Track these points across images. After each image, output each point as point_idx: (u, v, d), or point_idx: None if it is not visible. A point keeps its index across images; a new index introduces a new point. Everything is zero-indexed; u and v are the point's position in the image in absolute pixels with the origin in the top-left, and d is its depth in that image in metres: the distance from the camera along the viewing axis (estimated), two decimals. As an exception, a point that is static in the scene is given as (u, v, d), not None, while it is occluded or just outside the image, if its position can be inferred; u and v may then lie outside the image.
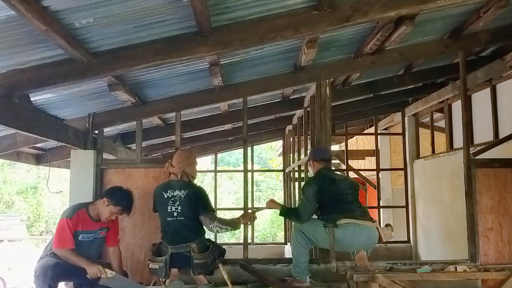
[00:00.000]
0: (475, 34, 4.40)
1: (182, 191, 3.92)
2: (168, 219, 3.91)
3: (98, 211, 3.77)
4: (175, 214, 3.89)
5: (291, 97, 5.87)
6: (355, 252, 4.02)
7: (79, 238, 3.66)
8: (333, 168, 4.88)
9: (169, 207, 3.91)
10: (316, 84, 4.72)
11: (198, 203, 3.92)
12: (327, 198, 3.95)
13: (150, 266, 3.89)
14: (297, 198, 6.66)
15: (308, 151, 4.46)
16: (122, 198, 3.81)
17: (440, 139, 6.67)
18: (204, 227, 3.96)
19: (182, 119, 4.87)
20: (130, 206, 3.88)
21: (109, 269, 3.63)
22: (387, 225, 4.12)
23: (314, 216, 4.04)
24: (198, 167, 4.31)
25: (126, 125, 5.29)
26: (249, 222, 4.35)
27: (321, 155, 4.23)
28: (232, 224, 4.08)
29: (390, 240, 4.02)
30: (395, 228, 7.08)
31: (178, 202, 3.89)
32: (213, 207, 4.35)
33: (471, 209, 4.45)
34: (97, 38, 2.95)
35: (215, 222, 3.92)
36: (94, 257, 3.79)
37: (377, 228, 3.90)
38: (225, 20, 3.11)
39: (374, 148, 8.02)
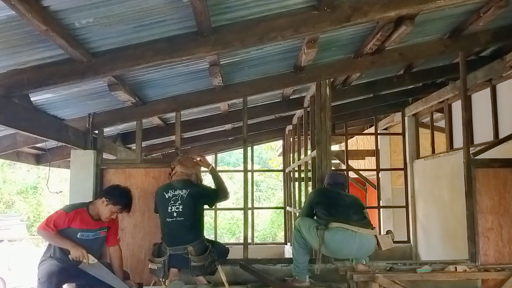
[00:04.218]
0: (475, 34, 4.39)
1: (184, 190, 3.93)
2: (167, 219, 3.91)
3: (98, 210, 3.76)
4: (175, 214, 3.88)
5: (291, 97, 5.87)
6: (354, 263, 4.02)
7: (78, 236, 3.66)
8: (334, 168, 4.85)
9: (169, 208, 3.91)
10: (316, 84, 4.73)
11: (207, 198, 4.05)
12: (325, 201, 3.97)
13: (149, 267, 3.90)
14: (297, 198, 6.66)
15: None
16: (121, 197, 3.79)
17: (440, 139, 6.66)
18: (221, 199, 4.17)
19: (182, 119, 4.88)
20: (130, 204, 3.86)
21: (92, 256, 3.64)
22: (387, 232, 4.01)
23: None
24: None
25: (126, 125, 5.29)
26: None
27: (332, 180, 4.28)
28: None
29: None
30: (395, 228, 7.13)
31: (179, 201, 3.89)
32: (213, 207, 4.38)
33: (471, 209, 4.45)
34: (97, 38, 2.95)
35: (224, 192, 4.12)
36: (96, 257, 3.79)
37: (376, 236, 3.81)
38: (225, 20, 3.11)
39: (374, 148, 8.02)
